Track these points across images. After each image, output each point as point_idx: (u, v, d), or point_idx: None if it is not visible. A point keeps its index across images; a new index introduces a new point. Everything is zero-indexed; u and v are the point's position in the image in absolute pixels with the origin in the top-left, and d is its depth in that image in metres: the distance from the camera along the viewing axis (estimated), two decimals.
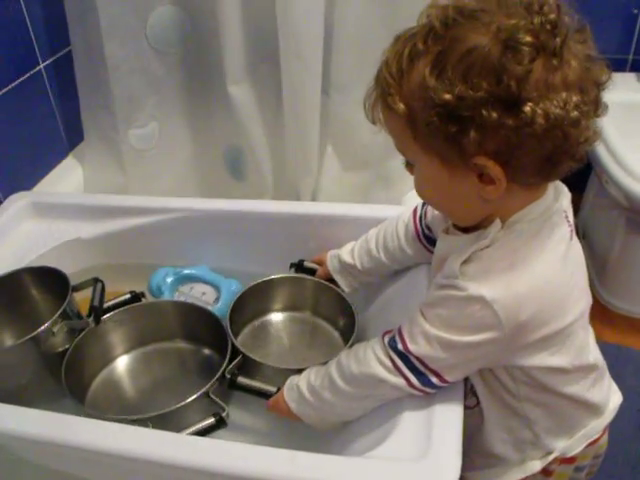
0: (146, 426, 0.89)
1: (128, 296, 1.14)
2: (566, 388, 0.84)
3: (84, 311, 1.10)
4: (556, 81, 0.65)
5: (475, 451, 0.93)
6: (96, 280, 1.11)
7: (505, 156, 0.67)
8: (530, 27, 0.64)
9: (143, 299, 1.16)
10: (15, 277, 1.13)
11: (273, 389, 0.96)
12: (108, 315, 1.10)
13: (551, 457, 0.90)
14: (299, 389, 0.92)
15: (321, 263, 1.17)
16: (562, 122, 0.65)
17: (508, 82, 0.63)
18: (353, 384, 0.85)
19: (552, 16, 0.64)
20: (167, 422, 0.91)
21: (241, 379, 0.99)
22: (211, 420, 0.91)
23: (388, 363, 0.81)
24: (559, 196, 0.79)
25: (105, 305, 1.11)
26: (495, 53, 0.64)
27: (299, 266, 1.20)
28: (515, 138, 0.65)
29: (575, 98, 0.65)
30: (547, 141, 0.66)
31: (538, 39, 0.64)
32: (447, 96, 0.65)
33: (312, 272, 1.18)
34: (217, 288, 1.22)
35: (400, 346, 0.80)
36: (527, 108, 0.63)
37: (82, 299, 1.11)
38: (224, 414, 0.92)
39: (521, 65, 0.63)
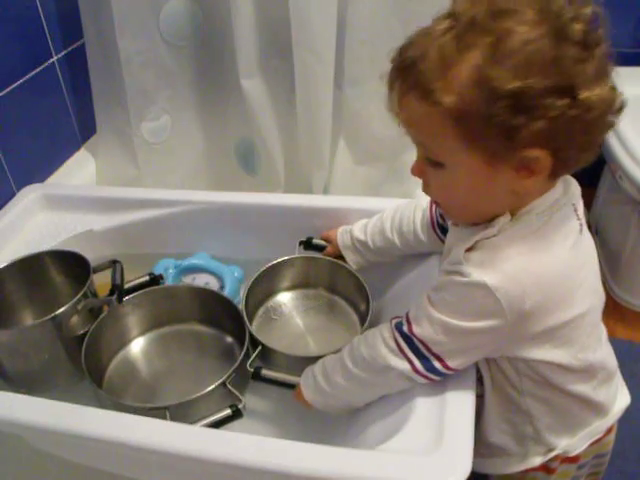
0: (163, 414, 0.89)
1: (147, 278, 1.16)
2: (570, 386, 0.84)
3: (103, 294, 1.11)
4: (602, 68, 0.67)
5: (478, 440, 0.93)
6: (114, 261, 1.13)
7: (556, 146, 0.68)
8: (579, 17, 0.65)
9: (161, 282, 1.17)
10: (36, 259, 1.14)
11: (297, 379, 0.96)
12: (127, 298, 1.11)
13: (552, 454, 0.90)
14: (314, 374, 0.93)
15: (330, 240, 1.17)
16: (610, 108, 0.67)
17: (566, 70, 0.64)
18: (362, 366, 0.86)
19: (589, 9, 0.66)
20: (184, 411, 0.92)
21: (265, 371, 0.99)
22: (227, 411, 0.91)
23: (393, 345, 0.82)
24: (568, 189, 0.79)
25: (126, 287, 1.12)
26: (551, 43, 0.64)
27: (307, 243, 1.20)
28: (570, 126, 0.66)
29: (611, 85, 0.68)
30: (594, 128, 0.68)
31: (586, 29, 0.65)
32: (513, 86, 0.63)
33: (321, 249, 1.19)
34: (220, 276, 1.22)
35: (405, 328, 0.81)
36: (585, 95, 0.64)
37: (100, 284, 1.12)
38: (241, 405, 0.92)
39: (575, 53, 0.64)
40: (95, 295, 1.10)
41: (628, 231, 1.81)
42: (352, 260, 1.14)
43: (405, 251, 1.08)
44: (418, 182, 1.49)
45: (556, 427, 0.88)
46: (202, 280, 1.22)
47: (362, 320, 1.13)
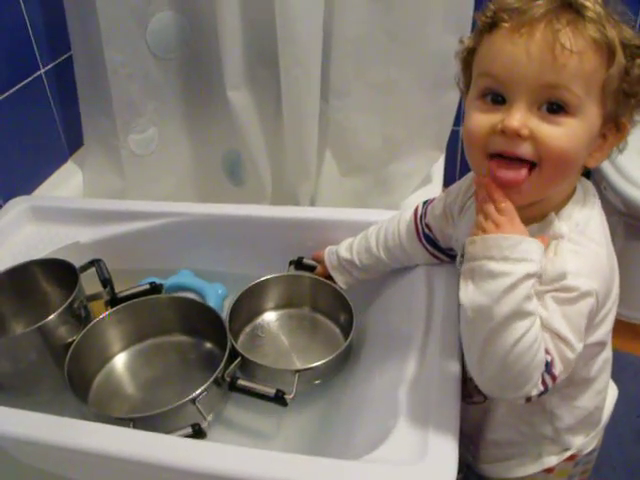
0: (127, 425, 0.89)
1: (147, 287, 1.15)
2: (595, 368, 0.86)
3: (99, 311, 1.13)
4: None
5: (492, 444, 0.94)
6: (95, 260, 1.15)
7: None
8: None
9: (163, 291, 1.17)
10: (24, 269, 1.15)
11: (272, 390, 0.96)
12: (106, 313, 1.11)
13: (568, 453, 0.91)
14: None
15: (320, 260, 1.17)
16: None
17: None
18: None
19: None
20: (149, 424, 0.91)
21: (241, 382, 0.99)
22: (188, 430, 0.90)
23: None
24: None
25: (124, 294, 1.13)
26: None
27: (298, 263, 1.20)
28: None
29: None
30: None
31: None
32: None
33: (311, 269, 1.19)
34: (203, 294, 1.21)
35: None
36: None
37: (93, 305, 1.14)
38: (205, 424, 0.91)
39: None
40: (86, 300, 1.11)
41: (613, 241, 1.81)
42: (341, 280, 1.13)
43: (393, 266, 1.08)
44: (404, 193, 1.52)
45: (574, 427, 0.89)
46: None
47: (344, 331, 1.14)
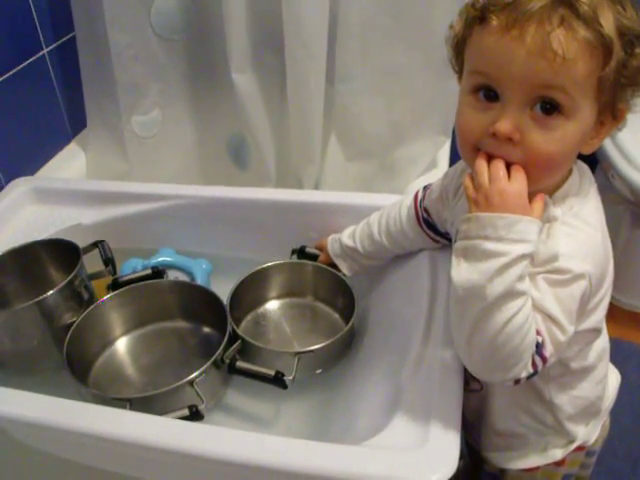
0: (124, 406, 0.89)
1: (149, 272, 1.15)
2: (592, 355, 0.86)
3: (101, 292, 1.13)
4: None
5: (493, 432, 0.93)
6: (98, 242, 1.16)
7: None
8: None
9: (165, 276, 1.16)
10: (28, 249, 1.15)
11: (272, 372, 0.96)
12: (108, 296, 1.11)
13: (573, 446, 0.91)
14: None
15: (322, 248, 1.17)
16: None
17: None
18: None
19: None
20: (147, 405, 0.90)
21: (240, 363, 0.99)
22: (185, 411, 0.90)
23: None
24: None
25: (126, 278, 1.13)
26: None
27: (301, 252, 1.20)
28: None
29: None
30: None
31: None
32: None
33: (314, 258, 1.18)
34: (188, 271, 1.21)
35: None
36: None
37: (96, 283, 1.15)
38: (201, 407, 0.91)
39: None
40: (88, 279, 1.12)
41: (620, 230, 1.81)
42: (345, 267, 1.13)
43: (396, 251, 1.08)
44: (409, 178, 1.51)
45: (576, 417, 0.89)
46: (172, 276, 1.20)
47: (344, 316, 1.14)
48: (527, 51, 0.66)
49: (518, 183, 0.70)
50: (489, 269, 0.68)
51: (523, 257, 0.68)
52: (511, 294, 0.68)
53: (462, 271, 0.71)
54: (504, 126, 0.69)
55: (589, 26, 0.65)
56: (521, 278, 0.69)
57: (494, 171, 0.71)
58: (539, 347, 0.71)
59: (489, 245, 0.69)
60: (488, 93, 0.71)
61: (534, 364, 0.72)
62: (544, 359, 0.72)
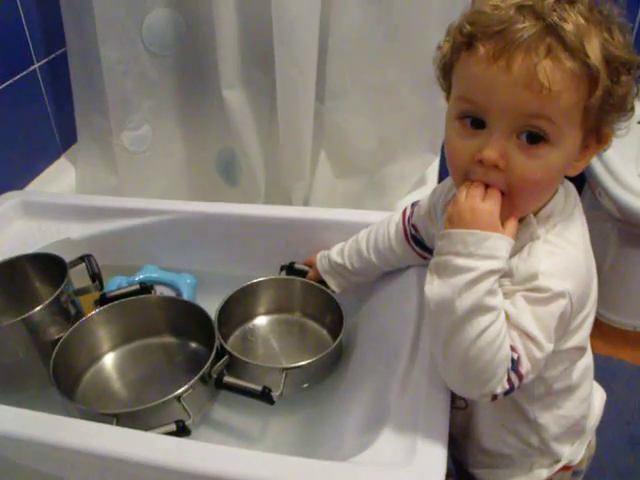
0: (111, 421, 0.88)
1: (137, 287, 1.14)
2: (576, 374, 0.85)
3: (88, 308, 1.13)
4: None
5: (479, 450, 0.93)
6: (85, 256, 1.15)
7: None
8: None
9: (152, 292, 1.16)
10: (14, 264, 1.15)
11: (259, 387, 0.95)
12: (95, 311, 1.10)
13: (558, 466, 0.90)
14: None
15: (311, 265, 1.17)
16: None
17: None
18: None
19: None
20: (133, 421, 0.90)
21: (227, 378, 0.99)
22: (172, 426, 0.89)
23: None
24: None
25: (114, 294, 1.12)
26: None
27: (290, 268, 1.20)
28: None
29: None
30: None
31: None
32: (634, 58, 0.69)
33: (303, 274, 1.19)
34: (174, 286, 1.21)
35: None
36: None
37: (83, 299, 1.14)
38: (188, 422, 0.90)
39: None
40: (75, 295, 1.11)
41: (607, 248, 1.82)
42: (333, 284, 1.13)
43: (384, 268, 1.08)
44: (399, 195, 1.51)
45: (561, 436, 0.89)
46: (157, 291, 1.20)
47: (331, 332, 1.14)
48: (514, 82, 0.67)
49: (490, 202, 0.72)
50: (458, 283, 0.70)
51: (492, 272, 0.70)
52: (480, 308, 0.69)
53: (434, 287, 0.72)
54: (490, 154, 0.70)
55: (575, 57, 0.66)
56: (490, 293, 0.70)
57: (471, 190, 0.73)
58: (515, 363, 0.71)
59: (459, 261, 0.70)
60: (475, 121, 0.72)
61: (510, 380, 0.72)
62: (520, 376, 0.72)
